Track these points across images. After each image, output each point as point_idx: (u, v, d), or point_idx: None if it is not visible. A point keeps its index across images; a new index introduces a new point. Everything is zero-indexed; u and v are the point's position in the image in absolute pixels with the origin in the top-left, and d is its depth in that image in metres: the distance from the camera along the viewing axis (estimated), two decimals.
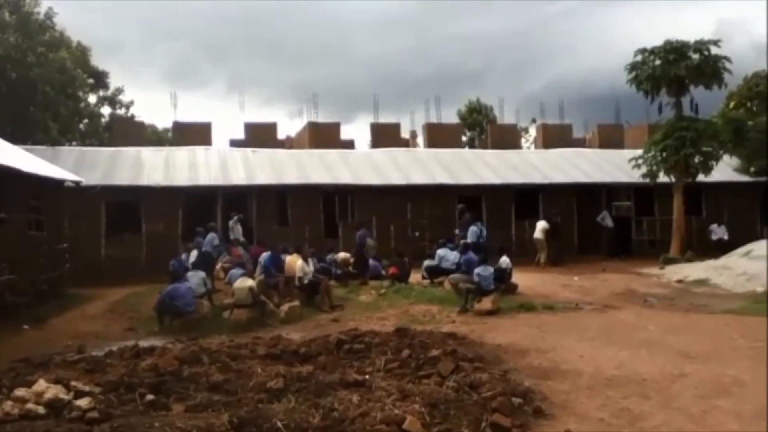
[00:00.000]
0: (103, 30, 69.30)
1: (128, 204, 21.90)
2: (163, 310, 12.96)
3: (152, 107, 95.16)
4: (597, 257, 23.54)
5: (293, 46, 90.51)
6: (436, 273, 16.74)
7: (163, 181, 22.27)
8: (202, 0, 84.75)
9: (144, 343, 11.08)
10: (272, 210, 23.22)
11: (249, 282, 13.87)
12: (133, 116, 40.51)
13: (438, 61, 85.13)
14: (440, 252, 16.91)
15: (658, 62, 23.31)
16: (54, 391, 7.07)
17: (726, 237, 24.24)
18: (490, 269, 14.29)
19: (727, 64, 23.22)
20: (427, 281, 16.92)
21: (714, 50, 23.18)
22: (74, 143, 33.79)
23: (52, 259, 17.04)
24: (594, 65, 75.72)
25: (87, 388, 7.44)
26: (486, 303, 13.39)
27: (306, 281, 14.87)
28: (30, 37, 28.97)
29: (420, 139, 38.23)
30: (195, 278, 13.90)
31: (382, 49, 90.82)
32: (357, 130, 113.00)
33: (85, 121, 38.60)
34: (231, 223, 20.04)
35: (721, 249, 21.93)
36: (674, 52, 22.94)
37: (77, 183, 18.68)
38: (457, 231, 19.21)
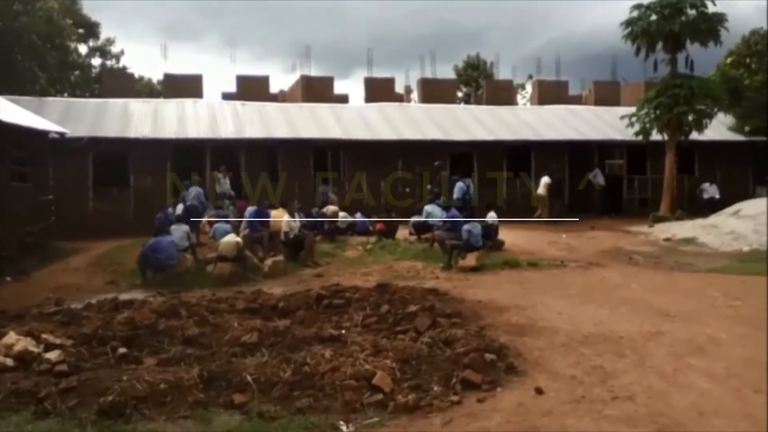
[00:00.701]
0: None
1: (115, 157, 21.61)
2: (145, 264, 12.91)
3: (146, 60, 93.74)
4: (588, 215, 23.46)
5: (289, 1, 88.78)
6: (423, 229, 16.67)
7: (151, 134, 21.94)
8: None
9: (125, 297, 11.11)
10: (262, 164, 22.96)
11: (236, 238, 13.82)
12: (124, 68, 39.97)
13: (436, 19, 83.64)
14: (427, 208, 16.79)
15: (654, 17, 22.87)
16: (24, 344, 7.03)
17: (717, 196, 24.14)
18: (479, 226, 14.27)
19: (724, 22, 22.79)
20: (414, 237, 16.88)
21: (711, 8, 22.74)
22: (65, 95, 33.30)
23: (36, 211, 16.86)
24: (593, 24, 74.48)
25: (58, 341, 7.41)
26: (470, 259, 13.35)
27: (291, 236, 14.80)
28: None
29: (415, 95, 37.85)
30: (178, 232, 13.81)
31: (380, 6, 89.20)
32: (353, 85, 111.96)
33: (77, 72, 38.07)
34: (218, 175, 19.90)
35: (712, 208, 21.83)
36: (670, 7, 22.43)
37: (62, 134, 18.40)
38: (429, 187, 19.16)
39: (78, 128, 20.85)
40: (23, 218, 15.91)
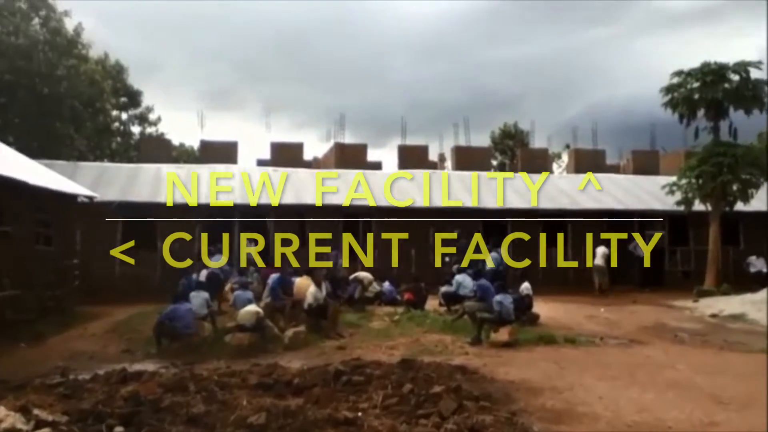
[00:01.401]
0: (139, 50, 70.32)
1: (145, 221, 21.50)
2: (161, 332, 12.36)
3: (185, 126, 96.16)
4: (627, 288, 22.50)
5: (327, 70, 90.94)
6: (453, 300, 15.97)
7: (181, 199, 21.86)
8: (238, 23, 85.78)
9: (138, 367, 10.58)
10: (291, 231, 22.60)
11: (256, 307, 13.27)
12: (162, 134, 40.76)
13: (471, 87, 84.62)
14: (458, 278, 16.17)
15: (695, 84, 22.35)
16: (12, 421, 6.46)
17: (765, 270, 23.04)
18: (510, 298, 13.51)
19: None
20: (443, 308, 16.15)
21: (755, 74, 22.19)
22: (105, 161, 33.81)
23: (60, 275, 16.63)
24: (631, 93, 74.36)
25: (50, 418, 6.82)
26: (503, 334, 12.55)
27: (314, 305, 14.19)
28: (60, 52, 29.10)
29: (448, 163, 37.61)
30: (198, 299, 13.34)
31: (416, 74, 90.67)
32: (387, 154, 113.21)
33: (118, 139, 38.93)
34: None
35: (760, 282, 20.74)
36: (712, 74, 21.96)
37: (91, 198, 18.35)
38: (447, 259, 18.73)
39: (109, 192, 20.93)
40: (46, 282, 15.63)
